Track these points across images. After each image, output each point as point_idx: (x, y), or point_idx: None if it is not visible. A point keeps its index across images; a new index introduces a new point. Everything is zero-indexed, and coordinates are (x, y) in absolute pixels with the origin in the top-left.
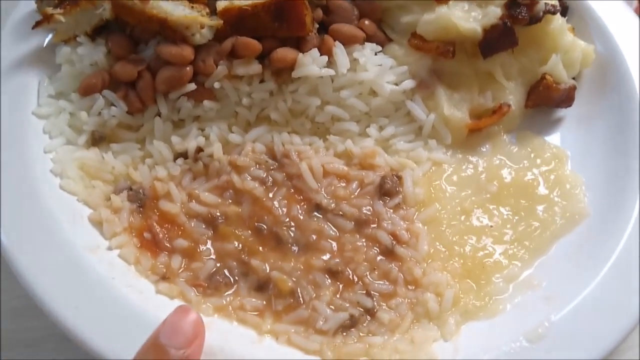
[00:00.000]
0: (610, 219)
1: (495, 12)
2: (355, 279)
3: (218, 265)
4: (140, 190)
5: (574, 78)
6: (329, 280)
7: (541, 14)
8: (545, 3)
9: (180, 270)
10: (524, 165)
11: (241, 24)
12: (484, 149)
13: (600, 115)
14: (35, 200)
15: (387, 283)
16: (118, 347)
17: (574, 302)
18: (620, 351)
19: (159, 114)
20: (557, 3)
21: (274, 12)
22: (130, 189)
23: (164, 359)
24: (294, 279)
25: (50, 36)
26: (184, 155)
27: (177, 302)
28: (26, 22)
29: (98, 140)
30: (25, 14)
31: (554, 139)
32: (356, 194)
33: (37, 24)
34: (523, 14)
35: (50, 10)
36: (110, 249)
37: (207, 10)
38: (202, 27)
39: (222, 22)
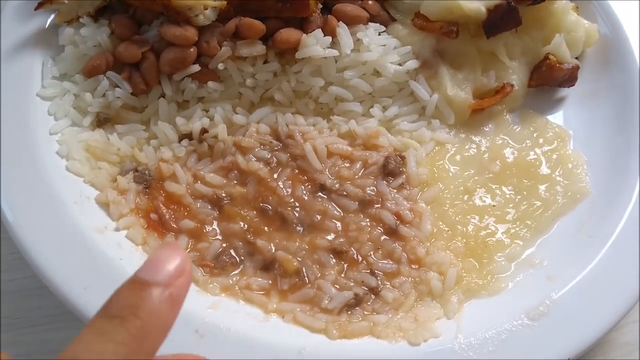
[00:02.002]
0: (612, 198)
1: None
2: (360, 259)
3: (224, 245)
4: (146, 172)
5: (577, 57)
6: (334, 260)
7: None
8: None
9: (187, 251)
10: (527, 144)
11: (244, 4)
12: (487, 129)
13: (602, 94)
14: (42, 182)
15: (391, 262)
16: None
17: (575, 280)
18: (621, 326)
19: (163, 95)
20: None
21: None
22: (136, 170)
23: (142, 297)
24: (299, 259)
25: (52, 17)
26: (188, 136)
27: None
28: (27, 2)
29: (103, 121)
30: None
31: (556, 118)
32: (360, 174)
33: (40, 5)
34: None
35: None
36: (117, 229)
37: None
38: (205, 8)
39: (225, 2)
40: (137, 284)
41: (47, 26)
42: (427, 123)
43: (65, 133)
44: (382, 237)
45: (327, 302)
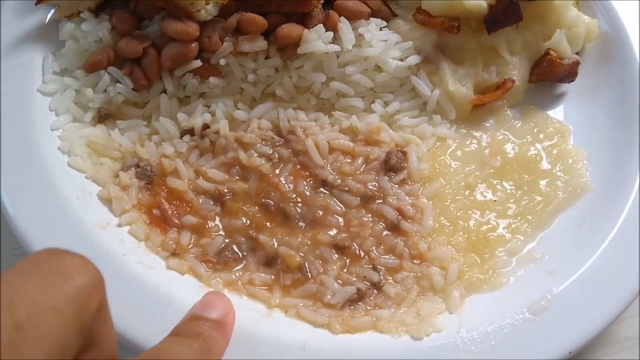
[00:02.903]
0: (612, 193)
1: None
2: (362, 254)
3: (227, 241)
4: (148, 167)
5: (577, 53)
6: (336, 255)
7: None
8: None
9: (190, 246)
10: (527, 140)
11: None
12: (488, 124)
13: (602, 89)
14: (44, 178)
15: (393, 257)
16: (132, 322)
17: (576, 275)
18: (621, 320)
19: (164, 91)
20: None
21: None
22: (138, 165)
23: (203, 328)
24: (302, 254)
25: (52, 12)
26: (190, 132)
27: (188, 278)
28: None
29: (104, 117)
30: None
31: (556, 113)
32: (362, 169)
33: (41, 0)
34: None
35: None
36: (120, 225)
37: None
38: (207, 3)
39: None
40: (194, 319)
41: (47, 21)
42: (428, 118)
43: (66, 129)
44: (384, 233)
45: (329, 297)
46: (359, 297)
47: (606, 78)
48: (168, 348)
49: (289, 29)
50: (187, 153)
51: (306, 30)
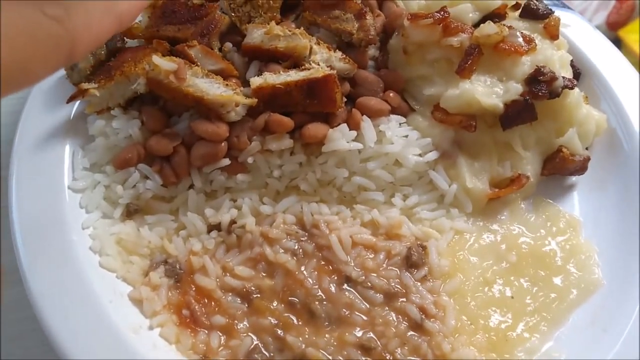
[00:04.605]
0: (622, 288)
1: (516, 89)
2: (387, 356)
3: (255, 342)
4: (177, 265)
5: (586, 147)
6: (363, 357)
7: (560, 89)
8: (563, 78)
9: (220, 349)
10: (541, 234)
11: (273, 100)
12: (503, 217)
13: (610, 181)
14: (78, 281)
15: (418, 359)
16: None
17: None
18: None
19: (192, 186)
20: (572, 76)
21: (306, 90)
22: (166, 262)
23: None
24: (329, 356)
25: (76, 105)
26: (217, 227)
27: None
28: (53, 90)
29: (133, 212)
30: (52, 81)
31: (567, 204)
32: (384, 265)
33: (72, 98)
34: (543, 90)
35: (85, 85)
36: (151, 328)
37: (241, 87)
38: (237, 105)
39: (256, 100)
40: None
41: (72, 117)
42: (445, 211)
43: (97, 226)
44: (409, 333)
45: None
46: None
47: (613, 168)
48: None
49: (315, 130)
50: (214, 249)
51: (330, 129)
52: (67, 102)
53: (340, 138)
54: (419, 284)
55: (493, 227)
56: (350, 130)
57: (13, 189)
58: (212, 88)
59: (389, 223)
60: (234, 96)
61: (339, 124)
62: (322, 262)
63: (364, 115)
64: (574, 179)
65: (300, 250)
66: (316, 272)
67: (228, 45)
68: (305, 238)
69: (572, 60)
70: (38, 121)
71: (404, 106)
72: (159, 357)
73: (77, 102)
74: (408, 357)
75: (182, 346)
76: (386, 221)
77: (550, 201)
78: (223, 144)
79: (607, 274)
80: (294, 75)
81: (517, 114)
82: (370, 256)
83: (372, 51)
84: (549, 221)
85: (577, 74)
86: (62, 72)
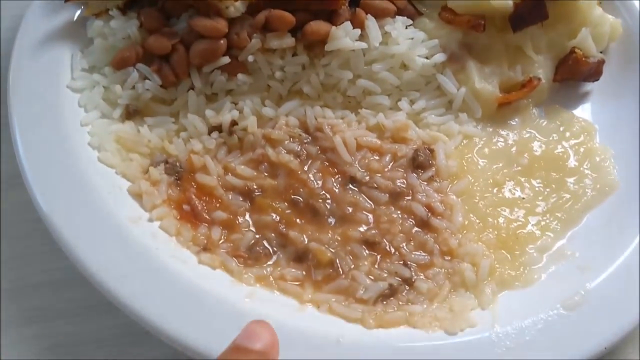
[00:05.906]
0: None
1: None
2: (392, 250)
3: (257, 236)
4: (177, 163)
5: (601, 52)
6: (367, 251)
7: None
8: None
9: (221, 242)
10: (554, 138)
11: None
12: (514, 122)
13: (627, 89)
14: (75, 173)
15: (424, 254)
16: (168, 315)
17: (608, 271)
18: None
19: (192, 88)
20: None
21: None
22: (167, 161)
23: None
24: (332, 250)
25: (80, 10)
26: (218, 128)
27: (220, 272)
28: None
29: (132, 113)
30: None
31: (581, 112)
32: (389, 166)
33: None
34: None
35: None
36: (151, 220)
37: None
38: (235, 0)
39: None
40: (238, 349)
41: (75, 19)
42: (454, 117)
43: (95, 125)
44: (414, 229)
45: (362, 292)
46: (391, 292)
47: (630, 77)
48: None
49: (317, 26)
50: (216, 149)
51: (334, 27)
52: (66, 2)
53: (343, 36)
54: (425, 183)
55: (503, 132)
56: (354, 28)
57: (10, 90)
58: None
59: (395, 126)
60: None
61: (343, 23)
62: (326, 164)
63: (369, 15)
64: (588, 87)
65: (304, 152)
66: (320, 173)
67: None
68: (309, 141)
69: None
70: (40, 25)
71: (411, 9)
72: (159, 246)
73: (80, 9)
74: (414, 252)
75: (183, 238)
76: (392, 125)
77: (564, 108)
78: (222, 40)
79: (623, 177)
80: None
81: (527, 13)
82: (376, 158)
83: None
84: (563, 126)
85: None
86: None
